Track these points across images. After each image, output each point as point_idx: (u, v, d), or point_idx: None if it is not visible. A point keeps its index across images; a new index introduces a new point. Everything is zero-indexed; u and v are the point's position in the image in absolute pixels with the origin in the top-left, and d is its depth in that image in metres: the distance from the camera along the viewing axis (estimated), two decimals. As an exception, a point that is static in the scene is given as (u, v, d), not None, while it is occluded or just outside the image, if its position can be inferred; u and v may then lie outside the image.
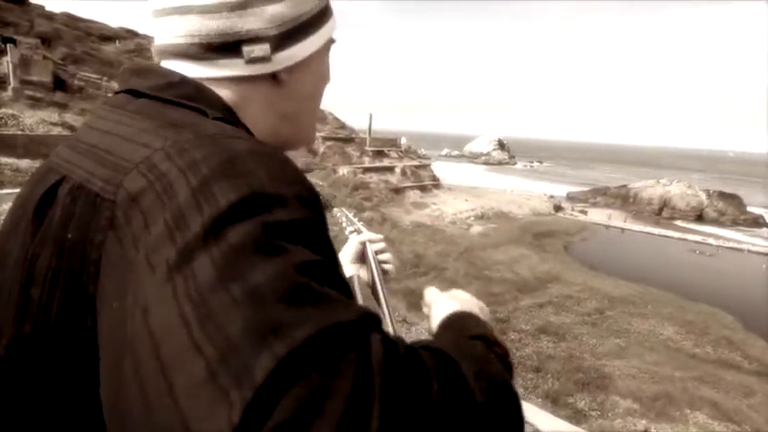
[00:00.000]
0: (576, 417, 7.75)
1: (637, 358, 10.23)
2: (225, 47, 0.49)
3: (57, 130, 12.70)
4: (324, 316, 0.30)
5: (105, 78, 18.13)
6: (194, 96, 0.47)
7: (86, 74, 17.97)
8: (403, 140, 33.11)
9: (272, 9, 0.49)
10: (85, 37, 22.66)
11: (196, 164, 0.36)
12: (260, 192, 0.35)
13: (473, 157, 76.78)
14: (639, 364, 9.89)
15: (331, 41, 0.59)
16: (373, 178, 24.46)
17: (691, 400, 8.56)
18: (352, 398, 0.26)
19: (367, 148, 27.87)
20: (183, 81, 0.48)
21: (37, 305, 0.39)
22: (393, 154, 29.71)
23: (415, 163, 30.25)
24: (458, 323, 0.55)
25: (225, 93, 0.50)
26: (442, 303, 0.65)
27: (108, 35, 24.82)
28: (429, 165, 31.72)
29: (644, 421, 7.75)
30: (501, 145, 79.54)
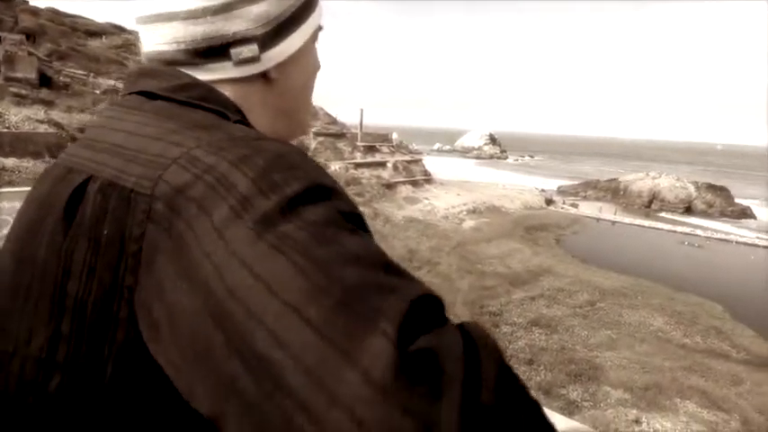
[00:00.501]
0: (568, 408, 7.84)
1: (627, 349, 10.37)
2: (212, 51, 0.49)
3: (43, 128, 12.51)
4: (422, 287, 0.32)
5: (92, 74, 17.90)
6: (208, 98, 0.47)
7: (72, 70, 17.71)
8: (394, 135, 33.09)
9: (256, 9, 0.49)
10: (71, 32, 22.34)
11: (248, 158, 0.37)
12: (320, 183, 0.37)
13: (465, 152, 77.00)
14: (630, 355, 10.03)
15: (319, 29, 0.59)
16: (365, 174, 24.44)
17: (680, 389, 8.71)
18: (467, 353, 0.29)
19: (358, 143, 27.82)
20: (194, 83, 0.48)
21: (74, 300, 0.40)
22: (385, 149, 29.70)
23: (407, 158, 30.26)
24: None
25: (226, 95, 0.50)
26: None
27: (94, 30, 24.50)
28: (421, 160, 31.75)
29: (635, 411, 7.87)
30: (492, 139, 79.82)
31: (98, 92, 16.40)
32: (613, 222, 27.67)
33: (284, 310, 0.29)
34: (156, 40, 0.50)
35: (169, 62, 0.50)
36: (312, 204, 0.35)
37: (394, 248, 15.17)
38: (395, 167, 27.27)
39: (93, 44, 22.48)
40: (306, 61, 0.58)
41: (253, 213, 0.33)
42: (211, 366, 0.32)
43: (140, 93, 0.48)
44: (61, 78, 16.45)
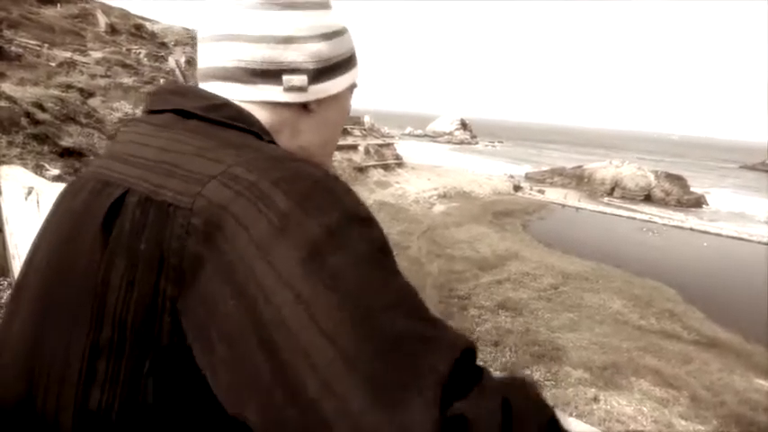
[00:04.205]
0: (531, 387, 8.13)
1: (588, 331, 10.79)
2: (267, 73, 0.53)
3: (-7, 102, 11.73)
4: (456, 338, 0.34)
5: (46, 45, 16.85)
6: (239, 119, 0.50)
7: (25, 40, 16.61)
8: (366, 119, 32.80)
9: (313, 47, 0.55)
10: (22, -1, 20.87)
11: (287, 180, 0.40)
12: (355, 213, 0.40)
13: (436, 137, 77.20)
14: (590, 336, 10.45)
15: (354, 86, 0.65)
16: (337, 156, 24.19)
17: (636, 368, 9.16)
18: (502, 406, 0.31)
19: (330, 125, 27.44)
20: (225, 103, 0.51)
21: (113, 312, 0.41)
22: (356, 132, 29.42)
23: (379, 142, 30.11)
24: None
25: (261, 115, 0.54)
26: None
27: (48, -2, 22.95)
28: (392, 144, 31.65)
29: (593, 389, 8.24)
30: (463, 125, 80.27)
31: (53, 64, 15.46)
32: (577, 209, 28.49)
33: (337, 358, 0.31)
34: (220, 57, 0.54)
35: (228, 78, 0.53)
36: (354, 235, 0.37)
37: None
38: (366, 151, 27.11)
39: (48, 13, 21.08)
40: (341, 106, 0.63)
41: (297, 234, 0.36)
42: (259, 391, 0.34)
43: (173, 111, 0.50)
44: (12, 49, 15.40)
